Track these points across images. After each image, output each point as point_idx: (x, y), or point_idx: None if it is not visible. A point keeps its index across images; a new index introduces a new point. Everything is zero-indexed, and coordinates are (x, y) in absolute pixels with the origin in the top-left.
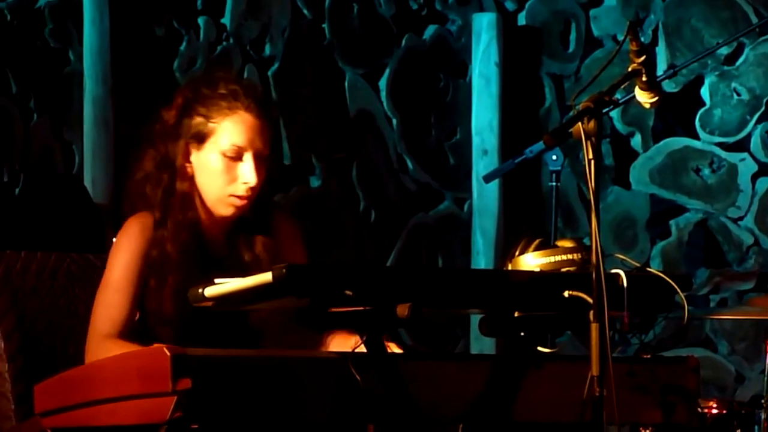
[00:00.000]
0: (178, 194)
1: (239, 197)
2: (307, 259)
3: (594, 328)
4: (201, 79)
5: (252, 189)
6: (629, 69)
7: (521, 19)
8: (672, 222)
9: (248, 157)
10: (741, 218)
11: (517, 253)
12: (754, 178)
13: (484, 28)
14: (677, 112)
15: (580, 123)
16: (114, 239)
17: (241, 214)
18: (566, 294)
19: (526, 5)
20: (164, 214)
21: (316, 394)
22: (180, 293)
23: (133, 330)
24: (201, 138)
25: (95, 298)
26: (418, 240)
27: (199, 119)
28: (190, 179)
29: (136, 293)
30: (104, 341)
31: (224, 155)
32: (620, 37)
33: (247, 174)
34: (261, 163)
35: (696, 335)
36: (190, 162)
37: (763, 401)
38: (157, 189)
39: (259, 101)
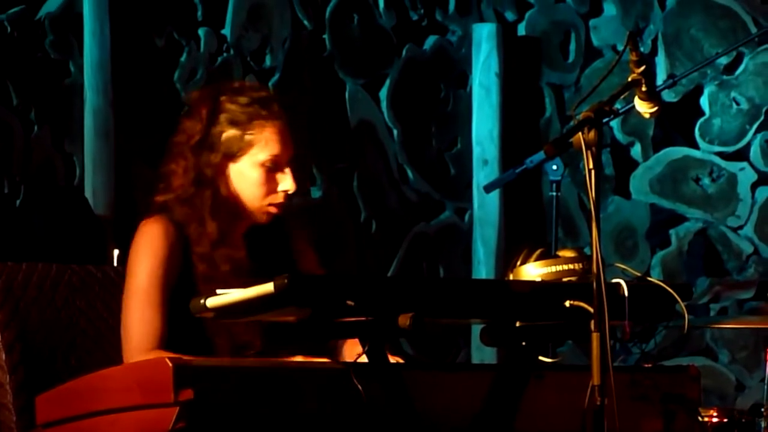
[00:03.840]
0: (224, 209)
1: (277, 204)
2: (319, 264)
3: (595, 337)
4: (223, 89)
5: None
6: (629, 79)
7: (521, 30)
8: (672, 231)
9: (286, 166)
10: (741, 227)
11: (518, 263)
12: (754, 187)
13: (484, 38)
14: (677, 122)
15: (580, 133)
16: (131, 246)
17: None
18: (567, 304)
19: (526, 15)
20: (221, 231)
21: (318, 404)
22: None
23: (175, 337)
24: (238, 150)
25: (124, 309)
26: (419, 250)
27: (232, 132)
28: (230, 190)
29: (166, 298)
30: (146, 356)
31: (262, 166)
32: (620, 47)
33: (287, 182)
34: (294, 166)
35: (696, 344)
36: (226, 175)
37: (763, 410)
38: (203, 208)
39: (283, 104)
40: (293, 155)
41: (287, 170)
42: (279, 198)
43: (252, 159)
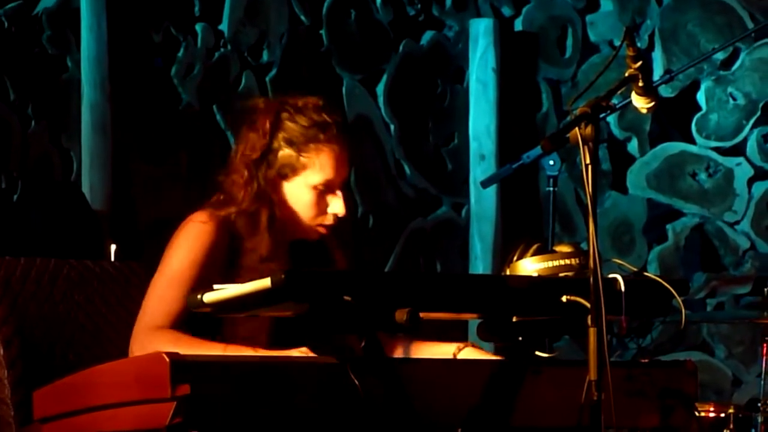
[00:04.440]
0: (279, 223)
1: (327, 226)
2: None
3: (592, 332)
4: (286, 105)
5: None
6: (626, 74)
7: (518, 25)
8: (669, 226)
9: (338, 189)
10: (737, 222)
11: (515, 258)
12: (750, 182)
13: (481, 33)
14: (674, 117)
15: (577, 128)
16: (175, 233)
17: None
18: (564, 299)
19: (523, 11)
20: (272, 247)
21: (315, 399)
22: None
23: (187, 324)
24: (292, 171)
25: (149, 289)
26: (416, 245)
27: (288, 151)
28: (284, 206)
29: (191, 289)
30: (154, 331)
31: (315, 188)
32: (617, 43)
33: (337, 206)
34: (345, 187)
35: (693, 339)
36: (279, 191)
37: (759, 404)
38: (262, 222)
39: (344, 128)
40: (346, 178)
41: (339, 193)
42: (329, 220)
43: (305, 180)
